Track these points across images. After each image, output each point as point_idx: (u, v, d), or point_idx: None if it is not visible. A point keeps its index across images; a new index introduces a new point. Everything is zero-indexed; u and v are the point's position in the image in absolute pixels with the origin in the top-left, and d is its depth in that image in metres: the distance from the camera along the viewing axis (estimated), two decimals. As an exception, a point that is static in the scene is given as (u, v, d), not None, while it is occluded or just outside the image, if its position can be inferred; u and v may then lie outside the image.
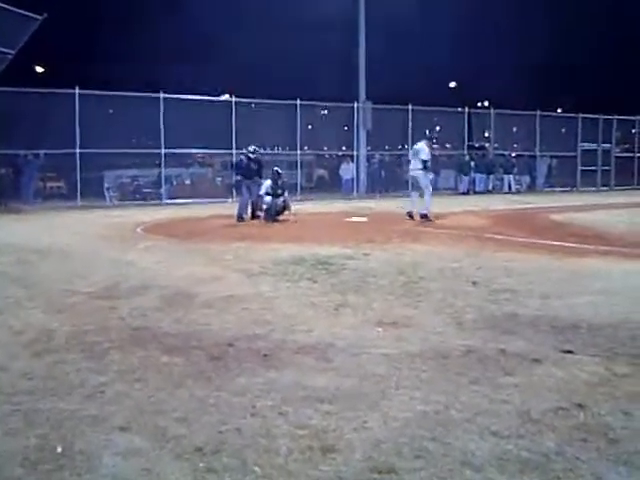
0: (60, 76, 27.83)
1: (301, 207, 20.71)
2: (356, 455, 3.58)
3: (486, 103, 42.61)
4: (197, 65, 36.34)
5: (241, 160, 18.43)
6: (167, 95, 24.93)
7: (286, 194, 17.33)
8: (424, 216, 16.43)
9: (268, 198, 16.68)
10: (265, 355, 5.32)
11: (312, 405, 4.26)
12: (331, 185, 30.77)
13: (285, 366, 5.07)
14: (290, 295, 7.76)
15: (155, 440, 3.79)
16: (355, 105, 29.26)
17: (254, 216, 17.38)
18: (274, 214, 16.64)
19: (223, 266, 9.88)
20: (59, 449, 3.69)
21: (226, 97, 28.47)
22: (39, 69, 37.74)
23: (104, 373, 4.94)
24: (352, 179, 29.97)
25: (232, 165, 22.09)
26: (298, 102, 27.39)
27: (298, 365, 5.09)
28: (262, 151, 20.29)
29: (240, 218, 16.91)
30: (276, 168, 17.54)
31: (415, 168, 16.90)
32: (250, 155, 17.83)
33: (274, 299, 7.54)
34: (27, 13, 22.02)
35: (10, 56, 22.87)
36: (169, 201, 25.10)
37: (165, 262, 10.38)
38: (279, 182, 17.03)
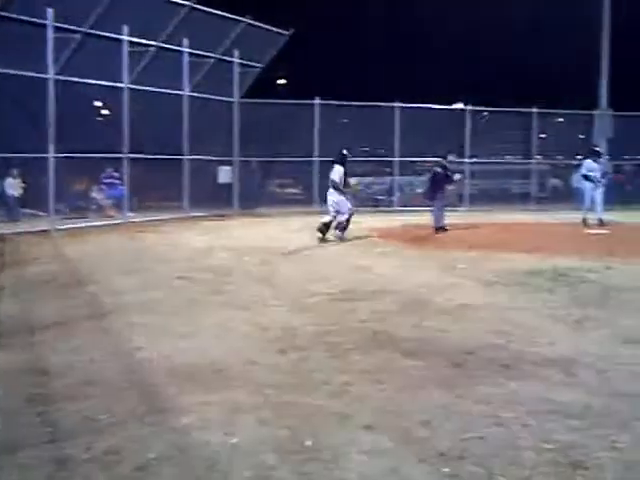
0: (300, 88, 29.13)
1: (536, 218, 20.16)
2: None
3: None
4: (424, 74, 36.05)
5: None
6: (401, 105, 25.14)
7: None
8: None
9: None
10: (506, 366, 5.25)
11: (558, 420, 4.15)
12: (567, 195, 29.31)
13: (527, 378, 4.97)
14: (527, 306, 7.60)
15: (400, 441, 3.87)
16: (594, 112, 27.55)
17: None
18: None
19: (458, 274, 9.85)
20: (308, 442, 3.87)
21: (459, 105, 28.16)
22: (281, 82, 39.62)
23: (347, 372, 5.11)
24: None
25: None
26: (534, 110, 26.45)
27: (541, 378, 4.97)
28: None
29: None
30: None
31: None
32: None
33: (511, 309, 7.41)
34: (276, 29, 23.30)
35: (258, 69, 24.29)
36: (400, 208, 25.27)
37: (400, 268, 10.52)
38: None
